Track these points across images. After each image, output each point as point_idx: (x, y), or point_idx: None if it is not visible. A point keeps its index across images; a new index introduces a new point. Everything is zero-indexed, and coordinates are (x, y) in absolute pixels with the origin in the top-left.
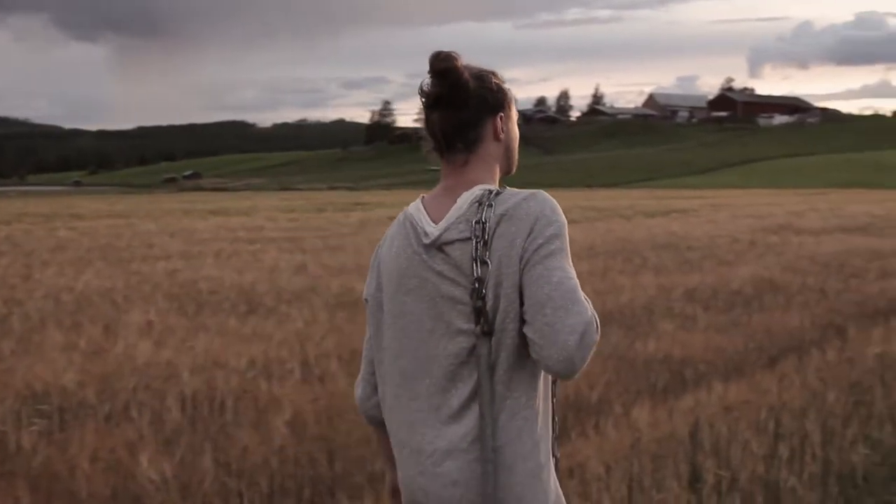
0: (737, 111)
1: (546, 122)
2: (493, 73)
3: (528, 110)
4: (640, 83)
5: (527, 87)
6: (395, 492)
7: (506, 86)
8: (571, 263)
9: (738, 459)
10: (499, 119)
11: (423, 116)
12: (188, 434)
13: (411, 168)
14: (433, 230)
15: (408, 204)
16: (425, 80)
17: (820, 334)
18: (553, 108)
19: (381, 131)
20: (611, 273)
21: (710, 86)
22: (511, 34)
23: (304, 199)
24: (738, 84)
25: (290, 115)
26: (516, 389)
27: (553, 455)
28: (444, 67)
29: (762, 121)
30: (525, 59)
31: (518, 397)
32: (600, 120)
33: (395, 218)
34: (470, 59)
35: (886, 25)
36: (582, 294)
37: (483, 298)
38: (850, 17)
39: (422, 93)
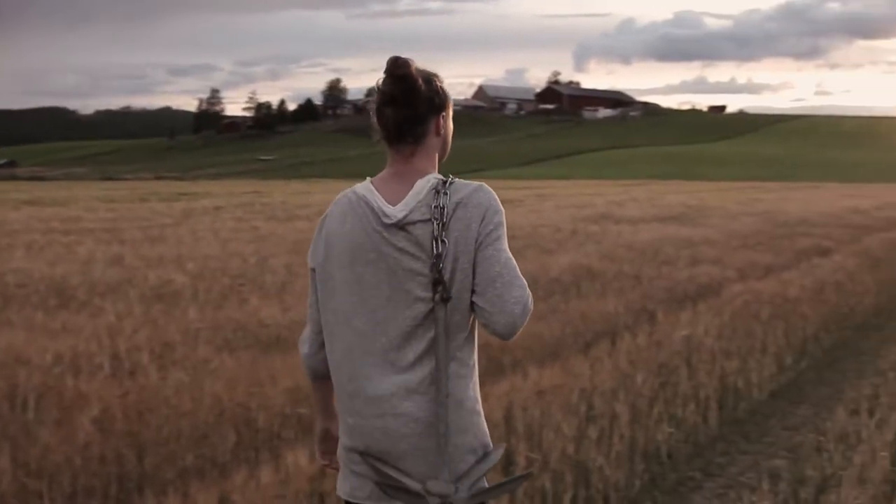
0: (563, 104)
1: None
2: (437, 77)
3: (359, 100)
4: (470, 75)
5: (358, 77)
6: (325, 437)
7: (445, 86)
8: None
9: (550, 441)
10: (441, 118)
11: (375, 111)
12: None
13: (241, 158)
14: (394, 212)
15: (237, 195)
16: (381, 79)
17: (633, 319)
18: None
19: (209, 120)
20: None
21: (537, 79)
22: (343, 23)
23: (127, 189)
24: (565, 78)
25: (114, 102)
26: (462, 347)
27: None
28: (401, 73)
29: (587, 114)
30: (357, 48)
31: (463, 353)
32: None
33: (235, 202)
34: (301, 48)
35: (703, 24)
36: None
37: (441, 271)
38: (669, 16)
39: (378, 91)
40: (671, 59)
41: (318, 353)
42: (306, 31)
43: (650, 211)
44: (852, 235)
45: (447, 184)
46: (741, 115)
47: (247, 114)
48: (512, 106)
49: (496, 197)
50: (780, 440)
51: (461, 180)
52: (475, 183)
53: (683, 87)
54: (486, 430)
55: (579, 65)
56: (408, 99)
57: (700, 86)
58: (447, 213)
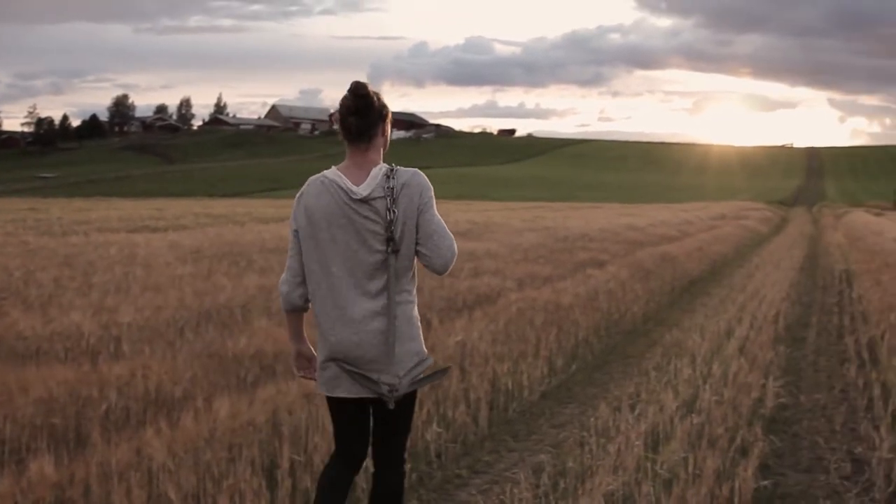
0: None
1: (167, 130)
2: (380, 94)
3: (147, 118)
4: (264, 94)
5: (147, 93)
6: (298, 356)
7: (385, 100)
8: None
9: (316, 443)
10: (386, 124)
11: (340, 119)
12: None
13: (19, 175)
14: (359, 191)
15: (10, 211)
16: (345, 97)
17: None
18: (174, 117)
19: None
20: (215, 275)
21: (332, 99)
22: (130, 38)
23: None
24: None
25: None
26: (406, 284)
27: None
28: (363, 93)
29: None
30: (145, 64)
31: (407, 288)
32: (223, 130)
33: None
34: (86, 61)
35: (493, 50)
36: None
37: (392, 232)
38: (461, 41)
39: (343, 106)
40: (463, 83)
41: (295, 291)
42: (91, 45)
43: None
44: (627, 249)
45: (393, 171)
46: (530, 139)
47: (26, 129)
48: (306, 126)
49: (427, 179)
50: (546, 437)
51: (402, 168)
52: (412, 170)
53: (475, 111)
54: (423, 341)
55: (373, 86)
56: (366, 111)
57: (491, 110)
58: (396, 192)
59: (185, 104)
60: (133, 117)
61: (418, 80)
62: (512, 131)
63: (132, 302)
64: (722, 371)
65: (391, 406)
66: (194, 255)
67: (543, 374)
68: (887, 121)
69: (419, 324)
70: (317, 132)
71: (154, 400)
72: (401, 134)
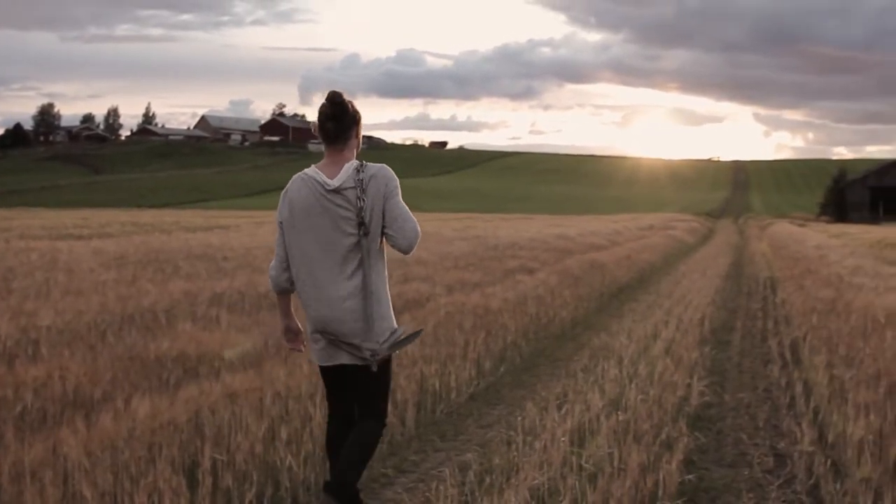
0: (288, 136)
1: (94, 140)
2: (353, 102)
3: (73, 127)
4: (193, 105)
5: (73, 103)
6: (287, 330)
7: (357, 107)
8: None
9: (238, 442)
10: (359, 127)
11: (318, 124)
12: None
13: None
14: (333, 183)
15: None
16: (323, 104)
17: None
18: (102, 126)
19: None
20: (140, 281)
21: (262, 110)
22: (56, 46)
23: None
24: (290, 110)
25: None
26: (377, 263)
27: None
28: (338, 101)
29: (312, 146)
30: (72, 73)
31: (378, 267)
32: (152, 140)
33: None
34: (11, 70)
35: (425, 62)
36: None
37: (363, 217)
38: (392, 53)
39: (321, 112)
40: (394, 95)
41: (282, 275)
42: (16, 52)
43: None
44: (556, 257)
45: (363, 166)
46: (461, 151)
47: None
48: (237, 137)
49: (392, 171)
50: (473, 437)
51: (370, 164)
52: (379, 165)
53: (406, 123)
54: (394, 317)
55: (304, 98)
56: (341, 116)
57: (423, 122)
58: (365, 183)
59: (113, 114)
60: (59, 127)
61: (350, 92)
62: (444, 144)
63: (52, 306)
64: (648, 371)
65: (374, 369)
66: (119, 262)
67: (471, 375)
68: (810, 135)
69: (389, 302)
70: (247, 143)
71: (72, 401)
72: None
